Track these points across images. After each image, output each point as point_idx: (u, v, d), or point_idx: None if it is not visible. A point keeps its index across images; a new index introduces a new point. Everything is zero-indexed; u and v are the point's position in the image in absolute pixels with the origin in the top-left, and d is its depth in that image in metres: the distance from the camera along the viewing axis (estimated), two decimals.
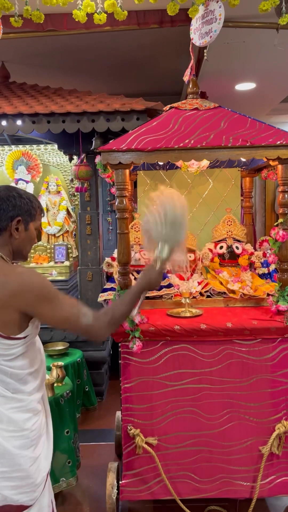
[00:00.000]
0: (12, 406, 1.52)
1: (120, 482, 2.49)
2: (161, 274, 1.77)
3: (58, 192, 5.18)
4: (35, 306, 1.49)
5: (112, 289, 2.82)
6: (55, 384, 2.69)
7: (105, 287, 2.93)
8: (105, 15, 2.48)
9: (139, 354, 2.38)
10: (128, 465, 2.47)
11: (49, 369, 2.83)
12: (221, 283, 2.79)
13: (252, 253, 2.88)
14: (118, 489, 2.51)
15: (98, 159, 2.40)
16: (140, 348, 2.33)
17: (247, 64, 4.17)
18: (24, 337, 1.52)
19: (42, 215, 1.70)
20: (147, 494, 2.47)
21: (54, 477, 2.57)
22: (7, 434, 1.50)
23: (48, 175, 5.35)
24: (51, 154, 5.38)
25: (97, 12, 2.47)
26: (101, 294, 2.81)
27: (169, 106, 2.68)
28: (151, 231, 1.79)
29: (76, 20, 2.46)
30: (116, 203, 2.39)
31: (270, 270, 2.90)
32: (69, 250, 4.98)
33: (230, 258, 2.90)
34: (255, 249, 3.03)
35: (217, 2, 2.50)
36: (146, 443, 2.41)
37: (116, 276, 2.91)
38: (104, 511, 2.53)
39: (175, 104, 2.65)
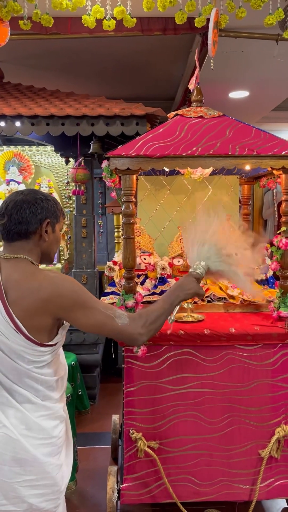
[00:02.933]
0: (42, 414, 1.51)
1: (120, 485, 2.50)
2: (197, 288, 1.84)
3: (50, 193, 5.16)
4: (69, 311, 1.49)
5: (113, 293, 2.83)
6: None
7: (106, 291, 2.93)
8: (114, 21, 2.51)
9: (143, 359, 2.40)
10: (129, 469, 2.48)
11: None
12: (221, 289, 2.84)
13: None
14: (118, 492, 2.52)
15: (105, 164, 2.41)
16: (145, 352, 2.34)
17: (242, 73, 4.26)
18: (54, 344, 1.52)
19: (64, 217, 1.71)
20: (148, 498, 2.49)
21: None
22: (37, 442, 1.49)
23: (40, 176, 5.33)
24: (43, 155, 5.37)
25: (106, 18, 2.49)
26: (102, 298, 2.82)
27: (174, 113, 2.71)
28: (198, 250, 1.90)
29: (85, 25, 2.47)
30: (123, 208, 2.41)
31: (268, 276, 2.95)
32: (61, 253, 4.98)
33: None
34: None
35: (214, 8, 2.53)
36: (148, 446, 2.43)
37: (117, 280, 2.93)
38: None
39: (180, 112, 2.68)
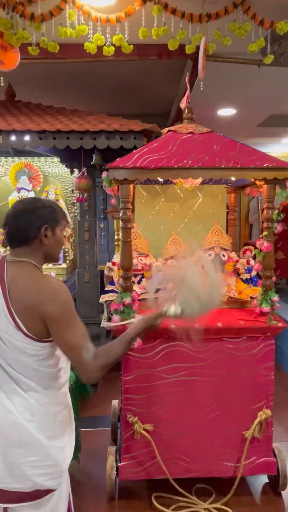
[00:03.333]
0: (45, 401, 1.51)
1: (118, 464, 2.51)
2: (160, 324, 1.73)
3: (57, 200, 5.18)
4: (53, 319, 1.44)
5: (112, 291, 2.84)
6: None
7: (106, 289, 2.94)
8: (113, 48, 2.52)
9: (139, 350, 2.41)
10: (126, 449, 2.50)
11: None
12: None
13: (237, 261, 2.94)
14: (117, 470, 2.53)
15: (105, 174, 2.42)
16: (140, 345, 2.36)
17: (229, 93, 4.27)
18: (52, 340, 1.50)
19: (65, 219, 1.66)
20: (143, 475, 2.51)
21: None
22: (41, 426, 1.49)
23: (47, 184, 5.35)
24: (51, 166, 5.39)
25: (106, 45, 2.51)
26: (102, 296, 2.83)
27: (167, 129, 2.73)
28: (182, 293, 1.69)
29: (88, 51, 2.48)
30: (121, 215, 2.42)
31: (252, 276, 2.97)
32: (66, 254, 4.99)
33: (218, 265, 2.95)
34: (239, 256, 3.10)
35: (203, 37, 2.55)
36: (144, 429, 2.44)
37: (116, 279, 2.94)
38: (104, 489, 2.55)
39: (172, 128, 2.70)
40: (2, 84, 2.69)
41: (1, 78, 2.67)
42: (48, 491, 1.53)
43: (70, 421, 1.65)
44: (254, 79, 3.76)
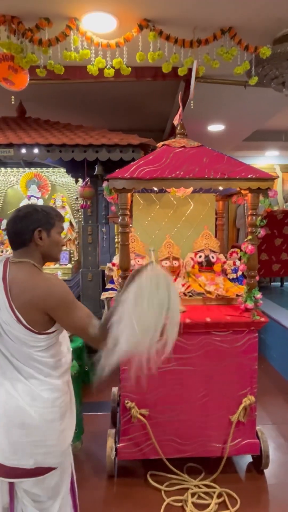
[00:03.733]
0: (45, 388, 1.51)
1: (117, 445, 2.51)
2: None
3: (63, 207, 5.18)
4: (56, 310, 1.46)
5: (112, 289, 2.84)
6: None
7: (106, 287, 2.94)
8: (113, 70, 2.52)
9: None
10: (124, 432, 2.49)
11: None
12: (200, 286, 2.85)
13: (224, 262, 2.95)
14: (116, 450, 2.53)
15: (105, 184, 2.42)
16: None
17: (218, 111, 4.27)
18: (53, 332, 1.51)
19: (62, 221, 1.64)
20: (139, 455, 2.50)
21: None
22: (41, 410, 1.49)
23: (55, 193, 5.34)
24: (58, 176, 5.38)
25: (107, 67, 2.50)
26: (103, 293, 2.83)
27: (162, 143, 2.73)
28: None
29: (90, 73, 2.49)
30: (119, 220, 2.42)
31: (238, 275, 2.97)
32: (72, 255, 4.98)
33: (207, 265, 2.95)
34: (226, 257, 3.10)
35: (194, 61, 2.55)
36: (140, 413, 2.44)
37: (115, 278, 2.94)
38: (105, 468, 2.55)
39: (166, 142, 2.70)
40: (13, 102, 2.69)
41: (12, 96, 2.66)
42: (50, 469, 1.54)
43: (70, 406, 1.65)
44: (241, 98, 3.77)
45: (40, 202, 5.13)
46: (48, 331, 1.49)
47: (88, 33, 2.45)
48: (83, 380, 3.83)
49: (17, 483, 1.52)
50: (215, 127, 4.82)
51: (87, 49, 2.46)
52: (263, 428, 2.76)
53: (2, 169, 5.21)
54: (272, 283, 6.66)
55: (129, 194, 2.43)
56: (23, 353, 1.48)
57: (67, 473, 1.68)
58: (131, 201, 3.23)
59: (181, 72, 2.60)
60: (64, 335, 1.66)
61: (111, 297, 2.66)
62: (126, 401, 2.45)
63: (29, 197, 5.11)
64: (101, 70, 2.53)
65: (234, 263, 2.93)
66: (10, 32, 2.41)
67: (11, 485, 1.52)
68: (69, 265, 4.75)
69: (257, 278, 2.52)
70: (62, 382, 1.57)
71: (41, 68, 2.46)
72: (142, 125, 5.51)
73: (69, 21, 2.41)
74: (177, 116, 2.69)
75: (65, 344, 1.64)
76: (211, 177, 2.34)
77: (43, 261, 1.58)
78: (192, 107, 2.79)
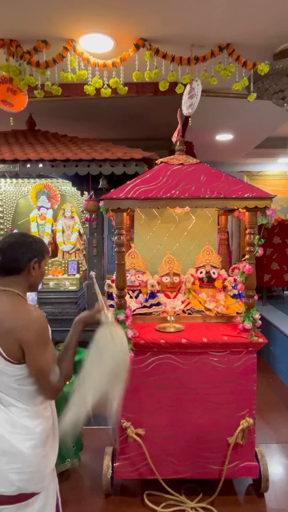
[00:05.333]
0: (24, 415, 1.51)
1: (114, 464, 2.50)
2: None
3: (72, 217, 5.22)
4: (29, 345, 1.44)
5: (111, 305, 2.83)
6: None
7: None
8: (110, 89, 2.52)
9: (132, 361, 2.39)
10: (121, 451, 2.48)
11: None
12: (200, 302, 2.81)
13: (225, 279, 2.90)
14: (112, 469, 2.52)
15: (101, 204, 2.43)
16: (132, 357, 2.34)
17: (225, 121, 4.23)
18: None
19: (49, 255, 1.68)
20: (136, 474, 2.48)
21: (61, 458, 2.57)
22: (21, 437, 1.49)
23: (64, 203, 5.38)
24: (68, 186, 5.42)
25: (104, 87, 2.51)
26: None
27: (160, 160, 2.71)
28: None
29: (87, 93, 2.50)
30: (115, 239, 2.42)
31: (240, 291, 2.92)
32: (80, 265, 5.01)
33: (208, 281, 2.92)
34: (228, 273, 3.05)
35: (196, 81, 2.54)
36: (136, 433, 2.42)
37: (115, 295, 2.94)
38: (101, 486, 2.54)
39: (165, 159, 2.68)
40: (12, 123, 2.73)
41: (11, 118, 2.70)
42: (32, 494, 1.54)
43: (53, 430, 1.64)
44: (247, 108, 3.71)
45: (50, 212, 5.20)
46: (25, 360, 1.49)
47: (85, 54, 2.46)
48: None
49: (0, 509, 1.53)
50: (224, 137, 4.77)
51: (84, 69, 2.47)
52: (266, 447, 2.69)
53: (14, 180, 5.30)
54: (285, 292, 6.52)
55: (124, 214, 2.42)
56: (2, 383, 1.49)
57: (52, 496, 1.67)
58: (133, 216, 3.23)
59: (178, 89, 2.58)
60: None
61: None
62: (122, 421, 2.44)
63: (39, 208, 5.18)
64: (98, 89, 2.53)
65: (235, 280, 2.88)
66: (9, 55, 2.45)
67: None
68: (77, 275, 4.79)
69: (256, 297, 2.46)
70: (43, 408, 1.57)
71: (39, 89, 2.49)
72: (151, 135, 5.51)
73: (66, 42, 2.43)
74: (175, 134, 2.67)
75: None
76: (207, 196, 2.31)
77: (26, 291, 1.59)
78: (190, 124, 2.76)
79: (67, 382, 1.57)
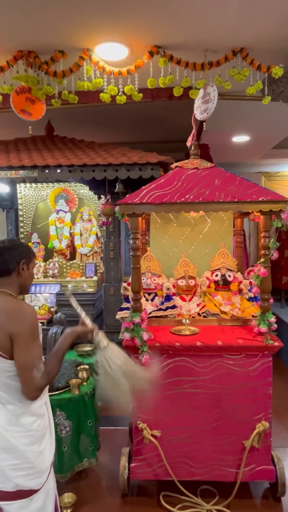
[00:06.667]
0: (20, 412, 1.57)
1: (130, 464, 2.54)
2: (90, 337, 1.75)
3: (90, 220, 5.29)
4: (18, 336, 1.50)
5: (127, 308, 2.88)
6: (81, 384, 2.75)
7: (122, 306, 2.99)
8: (125, 96, 2.57)
9: (147, 364, 2.42)
10: (137, 452, 2.52)
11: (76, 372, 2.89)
12: (215, 305, 2.83)
13: (241, 282, 2.90)
14: (129, 469, 2.56)
15: (116, 209, 2.47)
16: (148, 360, 2.38)
17: (241, 123, 4.21)
18: None
19: (35, 258, 1.78)
20: (152, 475, 2.52)
21: (79, 457, 2.63)
22: (17, 434, 1.55)
23: (82, 206, 5.47)
24: (85, 190, 5.51)
25: (119, 94, 2.56)
26: (118, 312, 2.87)
27: (175, 164, 2.74)
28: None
29: (103, 100, 2.55)
30: (131, 244, 2.46)
31: (256, 294, 2.91)
32: (97, 267, 5.08)
33: (224, 284, 2.92)
34: (244, 276, 3.05)
35: (212, 86, 2.56)
36: (152, 435, 2.46)
37: (131, 297, 2.98)
38: (118, 486, 2.59)
39: (179, 164, 2.71)
40: (30, 132, 2.81)
41: (30, 126, 2.79)
42: (31, 492, 1.58)
43: (49, 427, 1.69)
44: (263, 110, 3.68)
45: (68, 216, 5.29)
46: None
47: (100, 63, 2.52)
48: None
49: (3, 506, 1.58)
50: (240, 138, 4.75)
51: (99, 78, 2.53)
52: (284, 451, 2.67)
53: (33, 184, 5.43)
54: None
55: (139, 218, 2.46)
56: None
57: (51, 494, 1.71)
58: (148, 220, 3.27)
59: (192, 95, 2.60)
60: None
61: (125, 317, 2.69)
62: (138, 422, 2.48)
63: (57, 211, 5.28)
64: (113, 97, 2.58)
65: (251, 283, 2.88)
66: (27, 66, 2.53)
67: None
68: (95, 278, 4.85)
69: (271, 301, 2.46)
70: (38, 405, 1.62)
71: (56, 98, 2.56)
72: (168, 138, 5.53)
73: (82, 52, 2.50)
74: (189, 138, 2.69)
75: None
76: (221, 200, 2.32)
77: (18, 292, 1.67)
78: (204, 129, 2.78)
79: (45, 387, 1.59)
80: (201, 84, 2.56)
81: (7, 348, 1.52)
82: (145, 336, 2.40)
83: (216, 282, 2.94)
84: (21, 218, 5.51)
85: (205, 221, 3.18)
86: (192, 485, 2.54)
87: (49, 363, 1.59)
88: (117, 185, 3.80)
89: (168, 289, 2.86)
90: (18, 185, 5.38)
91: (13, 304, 1.58)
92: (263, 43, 2.48)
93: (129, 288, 2.97)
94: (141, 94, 2.56)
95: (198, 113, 2.71)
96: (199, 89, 2.58)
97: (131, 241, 2.44)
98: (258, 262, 2.44)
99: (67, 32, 2.36)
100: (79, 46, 2.49)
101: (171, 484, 2.50)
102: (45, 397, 1.70)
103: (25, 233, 5.51)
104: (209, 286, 2.93)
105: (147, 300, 2.95)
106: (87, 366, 2.92)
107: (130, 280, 3.04)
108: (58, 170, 3.60)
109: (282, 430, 3.34)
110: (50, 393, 2.56)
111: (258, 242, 6.27)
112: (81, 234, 5.25)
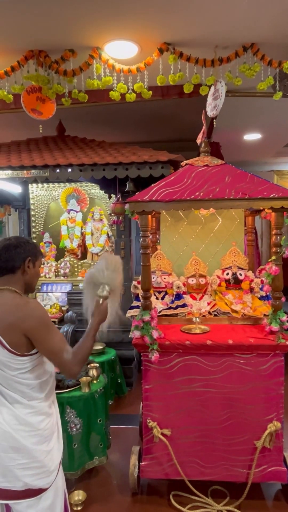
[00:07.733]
0: (29, 411, 1.57)
1: (140, 463, 2.53)
2: (106, 308, 1.79)
3: (101, 220, 5.30)
4: (35, 331, 1.52)
5: (137, 306, 2.87)
6: (92, 382, 2.76)
7: (132, 304, 2.98)
8: (135, 94, 2.56)
9: (157, 363, 2.42)
10: (147, 450, 2.51)
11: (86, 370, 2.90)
12: (226, 304, 2.80)
13: (252, 280, 2.87)
14: (139, 468, 2.55)
15: (126, 206, 2.47)
16: (157, 358, 2.37)
17: (252, 121, 4.17)
18: (35, 353, 1.57)
19: (42, 256, 1.76)
20: (161, 474, 2.50)
21: (89, 455, 2.63)
22: (25, 433, 1.55)
23: (93, 206, 5.48)
24: (96, 189, 5.52)
25: (128, 92, 2.56)
26: (129, 311, 2.87)
27: (185, 162, 2.73)
28: (94, 279, 1.83)
29: (112, 99, 2.55)
30: (140, 241, 2.45)
31: (267, 293, 2.87)
32: None
33: (235, 283, 2.89)
34: (255, 274, 3.01)
35: (220, 82, 2.54)
36: (162, 433, 2.44)
37: (140, 296, 2.97)
38: (128, 485, 2.58)
39: (189, 161, 2.69)
40: (41, 131, 2.83)
41: (41, 126, 2.80)
42: (40, 491, 1.58)
43: (57, 427, 1.69)
44: (275, 107, 3.64)
45: (79, 215, 5.31)
46: (30, 352, 1.56)
47: (110, 61, 2.52)
48: (116, 392, 3.92)
49: (12, 505, 1.59)
50: (252, 136, 4.70)
51: (109, 76, 2.53)
52: None
53: (45, 184, 5.47)
54: None
55: (149, 216, 2.45)
56: (7, 378, 1.54)
57: (61, 493, 1.71)
58: (159, 218, 3.26)
59: (202, 91, 2.58)
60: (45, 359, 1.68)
61: (135, 315, 2.69)
62: (148, 420, 2.47)
63: (68, 211, 5.31)
64: (123, 95, 2.58)
65: (262, 281, 2.84)
66: (38, 65, 2.54)
67: (7, 508, 1.60)
68: None
69: (283, 299, 2.42)
70: (46, 404, 1.62)
71: (66, 97, 2.57)
72: (179, 136, 5.51)
73: (92, 50, 2.50)
74: (200, 135, 2.67)
75: (48, 366, 1.68)
76: (232, 197, 2.29)
77: (23, 290, 1.66)
78: (214, 125, 2.75)
79: (83, 362, 1.62)
80: (212, 80, 2.54)
81: (21, 345, 1.53)
82: (155, 334, 2.38)
83: (227, 281, 2.91)
84: (33, 218, 5.56)
85: (216, 219, 3.15)
86: (203, 485, 2.52)
87: (82, 341, 1.64)
88: (127, 184, 3.79)
89: (178, 287, 2.85)
90: (30, 186, 5.43)
91: (18, 300, 1.58)
92: (274, 38, 2.45)
93: (139, 286, 2.97)
94: (150, 92, 2.56)
95: (209, 110, 2.69)
96: (209, 86, 2.56)
97: (141, 239, 2.44)
98: (269, 260, 2.40)
99: (77, 31, 2.37)
100: (89, 45, 2.50)
101: (182, 483, 2.48)
102: (52, 396, 1.70)
103: (37, 232, 5.56)
104: (220, 285, 2.90)
105: (157, 298, 2.93)
106: (97, 364, 2.93)
107: (140, 278, 3.04)
108: (69, 170, 3.61)
109: None
110: (60, 391, 2.58)
111: (270, 241, 6.19)
112: (92, 234, 5.27)
